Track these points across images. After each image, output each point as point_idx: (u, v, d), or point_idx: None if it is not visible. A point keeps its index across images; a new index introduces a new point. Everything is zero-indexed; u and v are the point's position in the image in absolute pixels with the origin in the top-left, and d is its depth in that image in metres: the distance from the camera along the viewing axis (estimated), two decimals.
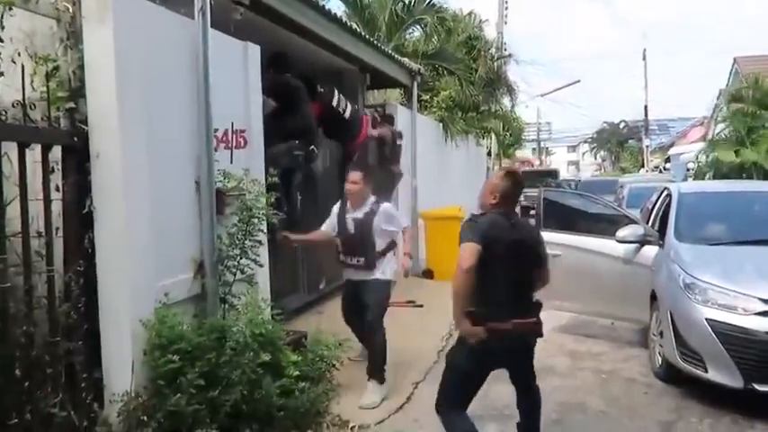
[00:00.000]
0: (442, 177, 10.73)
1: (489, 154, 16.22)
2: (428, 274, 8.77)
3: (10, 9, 2.90)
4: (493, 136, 15.80)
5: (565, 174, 33.29)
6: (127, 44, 3.21)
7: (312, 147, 5.79)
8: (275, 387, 3.55)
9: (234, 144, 4.32)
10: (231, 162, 4.28)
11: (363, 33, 7.34)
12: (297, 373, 3.74)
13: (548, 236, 5.75)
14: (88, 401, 3.14)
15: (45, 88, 3.06)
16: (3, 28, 2.89)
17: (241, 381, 3.37)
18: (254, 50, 4.57)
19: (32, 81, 3.06)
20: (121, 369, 3.24)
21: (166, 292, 3.52)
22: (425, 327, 5.99)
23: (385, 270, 4.56)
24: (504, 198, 3.13)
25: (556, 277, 5.79)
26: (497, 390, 4.37)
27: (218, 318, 3.71)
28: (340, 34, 6.33)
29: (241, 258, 3.96)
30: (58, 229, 3.11)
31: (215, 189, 3.93)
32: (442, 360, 5.10)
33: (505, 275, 3.01)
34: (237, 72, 4.42)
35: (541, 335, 3.24)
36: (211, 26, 4.04)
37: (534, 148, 41.70)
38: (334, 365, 4.09)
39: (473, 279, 2.90)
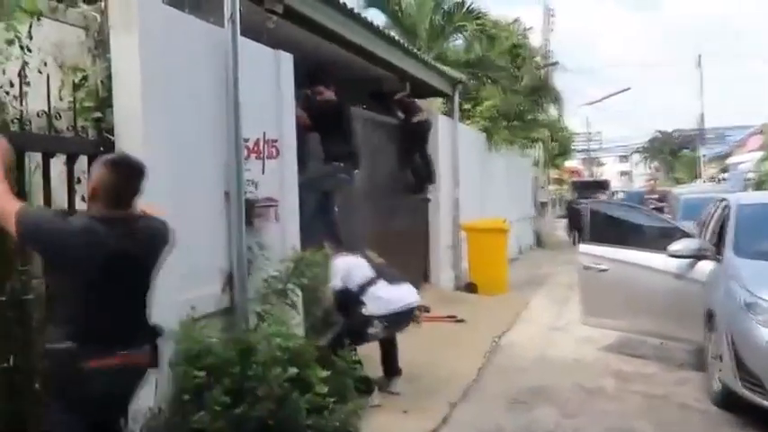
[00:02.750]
0: (485, 188, 10.47)
1: (536, 164, 15.82)
2: (471, 287, 8.53)
3: (38, 19, 2.91)
4: (539, 146, 15.41)
5: (616, 184, 32.28)
6: (153, 52, 3.17)
7: (356, 170, 5.58)
8: (304, 403, 3.43)
9: (266, 154, 4.25)
10: (263, 172, 4.21)
11: (402, 42, 7.21)
12: (326, 389, 3.60)
13: (594, 249, 5.52)
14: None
15: (72, 98, 3.06)
16: (31, 38, 2.89)
17: (268, 396, 3.26)
18: (287, 59, 4.50)
19: (61, 91, 3.06)
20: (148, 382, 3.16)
21: (193, 305, 3.43)
22: (466, 342, 5.76)
23: None
24: (108, 195, 2.19)
25: (602, 293, 5.56)
26: (543, 412, 4.15)
27: (246, 331, 3.61)
28: (376, 42, 6.22)
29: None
30: None
31: (245, 200, 3.86)
32: (482, 378, 4.92)
33: (106, 298, 2.18)
34: (269, 81, 4.35)
35: (156, 365, 2.40)
36: (244, 35, 4.01)
37: (584, 159, 40.69)
38: (363, 383, 3.95)
39: None
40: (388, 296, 4.25)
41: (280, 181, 4.39)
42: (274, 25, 4.65)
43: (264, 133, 4.24)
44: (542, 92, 13.68)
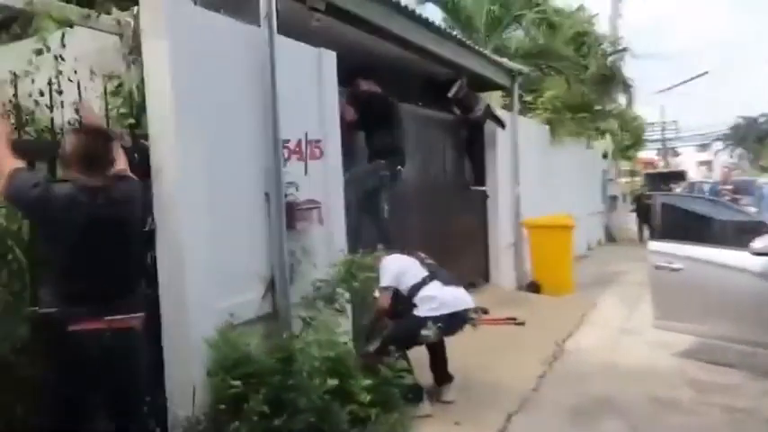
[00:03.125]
0: (549, 183, 10.02)
1: (605, 156, 15.07)
2: (534, 287, 8.16)
3: (71, 27, 2.90)
4: (608, 137, 14.65)
5: (694, 175, 30.41)
6: (184, 55, 3.10)
7: (399, 167, 5.39)
8: (345, 414, 3.29)
9: (308, 155, 4.13)
10: (306, 174, 4.09)
11: (455, 34, 6.95)
12: (369, 398, 3.45)
13: (666, 247, 5.08)
14: (151, 427, 3.03)
15: (108, 105, 3.04)
16: (63, 47, 2.89)
17: (308, 408, 3.14)
18: (330, 57, 4.37)
19: (97, 98, 3.05)
20: (184, 392, 3.11)
21: (232, 311, 3.36)
22: (526, 347, 5.45)
23: None
24: (81, 160, 2.32)
25: (677, 294, 5.10)
26: (609, 426, 3.82)
27: (287, 338, 3.50)
28: (427, 35, 5.99)
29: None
30: None
31: (285, 202, 3.76)
32: (542, 386, 4.62)
33: (89, 262, 2.28)
34: (311, 80, 4.23)
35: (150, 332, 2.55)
36: (286, 34, 3.91)
37: (658, 149, 38.63)
38: (409, 390, 3.76)
39: None
40: (442, 297, 4.04)
41: (324, 182, 4.26)
42: (318, 23, 4.53)
43: (306, 134, 4.12)
44: (610, 80, 12.98)
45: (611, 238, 14.63)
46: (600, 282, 9.01)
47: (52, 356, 2.34)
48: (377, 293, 4.18)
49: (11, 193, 2.28)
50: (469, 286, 7.20)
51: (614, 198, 15.73)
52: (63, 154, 2.36)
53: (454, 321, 4.09)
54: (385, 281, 4.13)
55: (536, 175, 9.40)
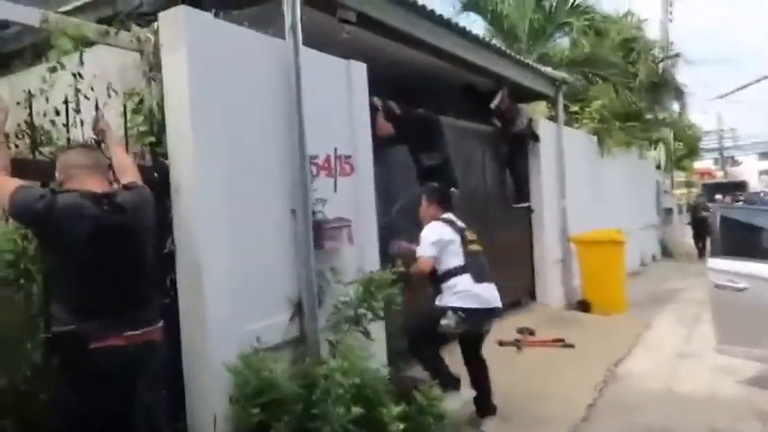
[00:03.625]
0: (598, 196, 9.59)
1: (659, 167, 14.42)
2: (583, 305, 7.74)
3: (88, 46, 2.84)
4: (661, 146, 14.02)
5: (756, 185, 28.89)
6: (204, 69, 3.00)
7: (453, 188, 4.99)
8: None
9: (338, 171, 3.97)
10: (335, 191, 3.93)
11: (494, 43, 6.72)
12: (402, 427, 3.22)
13: (728, 264, 4.66)
14: None
15: (130, 123, 2.97)
16: (82, 64, 2.83)
17: None
18: (359, 69, 4.22)
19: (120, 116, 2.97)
20: (206, 420, 2.97)
21: (258, 335, 3.21)
22: (575, 372, 5.10)
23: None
24: (78, 173, 2.35)
25: (741, 317, 4.66)
26: None
27: (311, 364, 3.32)
28: (465, 45, 5.79)
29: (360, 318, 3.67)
30: None
31: (313, 220, 3.60)
32: (592, 415, 4.28)
33: (102, 275, 2.22)
34: (340, 93, 4.09)
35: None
36: (315, 47, 3.79)
37: (716, 159, 37.04)
38: (442, 418, 3.51)
39: None
40: (470, 290, 3.86)
41: (354, 199, 4.09)
42: (348, 35, 4.40)
43: (336, 149, 3.97)
44: (661, 87, 12.42)
45: (666, 252, 13.93)
46: (655, 300, 8.50)
47: (73, 376, 2.23)
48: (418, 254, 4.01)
49: (17, 210, 2.21)
50: (514, 305, 6.91)
51: (669, 210, 15.01)
52: (62, 173, 2.35)
53: (477, 317, 3.90)
54: (428, 250, 3.95)
55: (584, 187, 9.01)
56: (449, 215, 4.17)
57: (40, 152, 2.63)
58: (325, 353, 3.53)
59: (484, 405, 4.04)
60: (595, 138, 9.80)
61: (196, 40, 2.97)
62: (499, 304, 4.00)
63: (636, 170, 12.14)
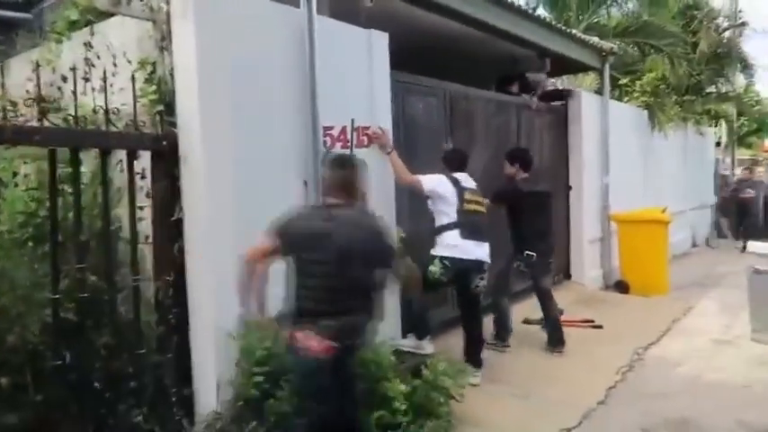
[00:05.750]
0: (647, 173, 9.17)
1: (719, 144, 13.63)
2: (621, 286, 7.49)
3: (98, 15, 2.88)
4: (723, 122, 13.23)
5: None
6: (213, 39, 3.00)
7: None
8: (375, 420, 3.09)
9: (354, 143, 3.93)
10: None
11: (531, 11, 6.44)
12: (404, 405, 3.22)
13: None
14: (178, 418, 3.00)
15: (140, 92, 3.01)
16: (93, 34, 2.88)
17: None
18: (381, 39, 4.13)
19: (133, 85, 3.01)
20: (211, 386, 3.06)
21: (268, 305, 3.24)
22: (598, 355, 4.95)
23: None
24: (331, 188, 2.70)
25: None
26: None
27: None
28: (502, 14, 5.58)
29: None
30: (147, 237, 3.04)
31: None
32: (611, 401, 4.16)
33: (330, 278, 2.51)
34: (360, 63, 4.02)
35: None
36: (339, 17, 3.72)
37: None
38: (452, 397, 3.48)
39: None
40: (456, 245, 4.07)
41: (371, 171, 4.02)
42: (372, 3, 4.31)
43: (353, 120, 3.92)
44: (725, 59, 11.63)
45: (722, 234, 13.26)
46: (701, 283, 8.12)
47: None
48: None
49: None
50: None
51: None
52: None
53: (461, 266, 4.07)
54: (426, 182, 4.14)
55: (633, 164, 8.63)
56: (458, 174, 4.27)
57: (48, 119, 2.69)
58: None
59: (472, 358, 4.22)
60: (646, 112, 9.33)
61: (206, 7, 2.97)
62: (486, 260, 4.17)
63: (692, 147, 11.53)
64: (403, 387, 3.25)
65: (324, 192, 2.77)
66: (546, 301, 5.06)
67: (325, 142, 3.65)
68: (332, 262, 2.48)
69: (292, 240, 2.56)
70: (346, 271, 2.49)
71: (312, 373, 2.51)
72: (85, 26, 3.10)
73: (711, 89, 12.37)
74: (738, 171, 12.08)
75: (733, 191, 12.07)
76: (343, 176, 2.66)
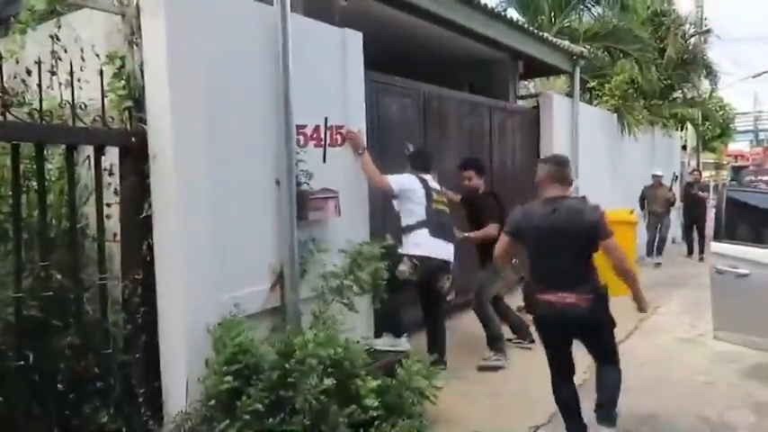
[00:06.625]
0: (616, 176, 9.36)
1: (684, 147, 13.96)
2: None
3: (64, 7, 2.82)
4: (687, 127, 13.55)
5: None
6: (184, 35, 2.97)
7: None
8: (344, 418, 3.07)
9: (327, 141, 3.92)
10: (324, 161, 3.90)
11: (503, 13, 6.51)
12: (376, 403, 3.21)
13: (731, 249, 4.50)
14: (146, 418, 2.95)
15: (108, 87, 2.95)
16: (59, 27, 2.81)
17: (303, 409, 2.95)
18: (355, 38, 4.14)
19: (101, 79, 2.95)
20: (180, 385, 3.01)
21: (237, 302, 3.23)
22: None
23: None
24: (543, 181, 3.32)
25: (741, 302, 4.53)
26: None
27: (290, 333, 3.32)
28: (474, 16, 5.63)
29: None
30: (115, 235, 2.98)
31: (297, 191, 3.57)
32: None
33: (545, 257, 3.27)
34: (334, 62, 4.02)
35: (591, 313, 3.39)
36: (313, 16, 3.71)
37: (751, 141, 35.80)
38: (425, 396, 3.49)
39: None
40: (425, 244, 4.10)
41: (345, 170, 4.05)
42: (346, 3, 4.32)
43: (326, 119, 3.91)
44: (690, 65, 11.93)
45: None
46: (669, 284, 8.31)
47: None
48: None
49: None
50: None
51: None
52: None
53: (430, 265, 4.12)
54: (393, 181, 4.12)
55: (602, 166, 8.80)
56: (423, 175, 4.30)
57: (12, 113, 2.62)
58: (307, 323, 3.54)
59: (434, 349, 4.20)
60: (615, 115, 9.51)
61: (177, 3, 2.93)
62: (451, 259, 4.22)
63: (659, 150, 11.80)
64: (374, 384, 3.24)
65: (543, 184, 3.28)
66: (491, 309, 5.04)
67: (298, 140, 3.64)
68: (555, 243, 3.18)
69: (527, 232, 3.24)
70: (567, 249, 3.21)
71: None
72: (51, 16, 3.03)
73: (678, 94, 12.69)
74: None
75: (686, 189, 12.09)
76: (560, 171, 3.31)
